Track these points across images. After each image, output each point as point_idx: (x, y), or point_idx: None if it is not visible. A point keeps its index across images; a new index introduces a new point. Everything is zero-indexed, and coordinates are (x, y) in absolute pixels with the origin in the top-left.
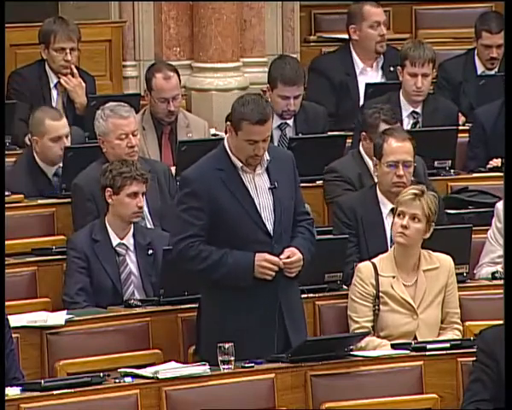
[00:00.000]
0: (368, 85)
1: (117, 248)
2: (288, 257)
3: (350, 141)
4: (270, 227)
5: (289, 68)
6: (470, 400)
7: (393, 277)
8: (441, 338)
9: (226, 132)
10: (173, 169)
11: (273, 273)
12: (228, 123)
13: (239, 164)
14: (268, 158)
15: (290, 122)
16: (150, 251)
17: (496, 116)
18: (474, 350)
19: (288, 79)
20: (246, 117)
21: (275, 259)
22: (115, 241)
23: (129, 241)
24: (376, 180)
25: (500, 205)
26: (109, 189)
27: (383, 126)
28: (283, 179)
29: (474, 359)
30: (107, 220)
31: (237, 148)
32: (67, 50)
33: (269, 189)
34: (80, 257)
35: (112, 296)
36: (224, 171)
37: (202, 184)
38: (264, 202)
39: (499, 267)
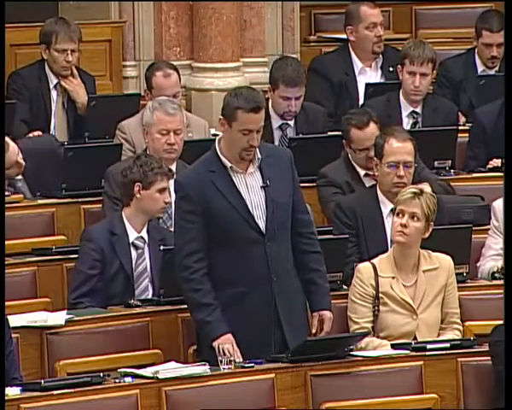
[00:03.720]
0: (368, 85)
1: (135, 242)
2: (322, 329)
3: None
4: (262, 226)
5: (291, 69)
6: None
7: (393, 277)
8: (441, 338)
9: None
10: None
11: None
12: (221, 117)
13: (228, 164)
14: (260, 156)
15: (291, 123)
16: (162, 247)
17: (496, 116)
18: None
19: (289, 80)
20: (240, 106)
21: (229, 352)
22: (133, 235)
23: (144, 235)
24: (367, 185)
25: (496, 204)
26: (139, 183)
27: (354, 132)
28: (279, 177)
29: (492, 356)
30: (126, 215)
31: (231, 142)
32: (68, 51)
33: (261, 187)
34: (95, 249)
35: (124, 290)
36: (214, 172)
37: (194, 187)
38: (256, 200)
39: (501, 262)
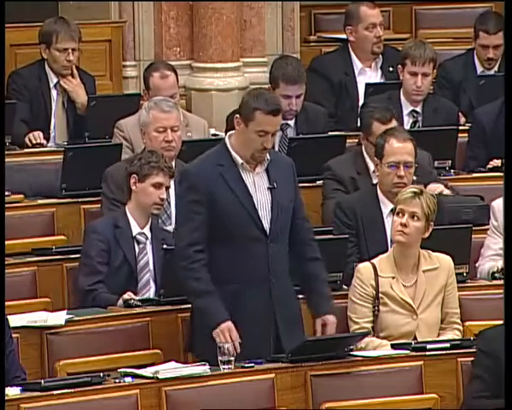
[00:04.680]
0: (368, 85)
1: (137, 236)
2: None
3: (350, 141)
4: (266, 225)
5: (291, 68)
6: (471, 395)
7: (393, 277)
8: (441, 338)
9: (226, 132)
10: None
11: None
12: (237, 116)
13: (239, 161)
14: (268, 158)
15: (291, 123)
16: (164, 245)
17: (496, 116)
18: (474, 350)
19: (290, 78)
20: (260, 106)
21: (230, 338)
22: (136, 229)
23: (147, 232)
24: (375, 181)
25: (495, 204)
26: (135, 175)
27: (377, 126)
28: (282, 181)
29: (474, 359)
30: (128, 209)
31: (245, 141)
32: (69, 50)
33: (268, 188)
34: (102, 240)
35: (128, 282)
36: (223, 166)
37: (201, 177)
38: (262, 200)
39: (501, 262)
